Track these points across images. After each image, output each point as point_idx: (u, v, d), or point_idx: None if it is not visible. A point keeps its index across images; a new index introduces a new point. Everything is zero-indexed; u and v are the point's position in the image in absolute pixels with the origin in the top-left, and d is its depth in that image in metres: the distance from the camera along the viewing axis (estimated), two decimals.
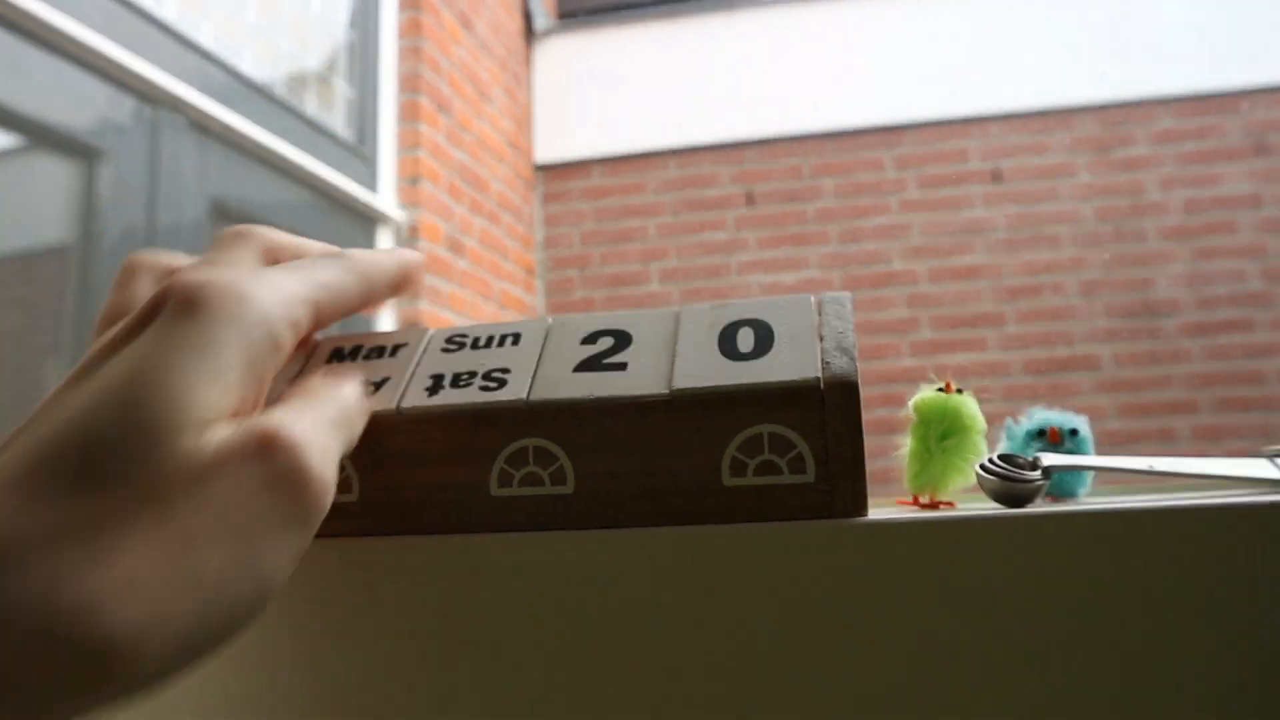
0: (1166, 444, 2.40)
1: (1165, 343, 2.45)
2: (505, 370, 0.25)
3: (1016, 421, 0.29)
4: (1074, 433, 0.27)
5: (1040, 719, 0.21)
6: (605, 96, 2.82)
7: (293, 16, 1.96)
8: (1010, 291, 2.54)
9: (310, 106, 1.96)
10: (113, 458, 0.17)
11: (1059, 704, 0.21)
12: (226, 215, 1.67)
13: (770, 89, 2.73)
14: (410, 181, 2.14)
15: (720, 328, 0.25)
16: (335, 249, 0.25)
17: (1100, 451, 0.28)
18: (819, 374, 0.23)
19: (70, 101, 1.36)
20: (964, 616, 0.22)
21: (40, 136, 1.33)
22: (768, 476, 0.23)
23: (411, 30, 2.21)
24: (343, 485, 0.25)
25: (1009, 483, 0.24)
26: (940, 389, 0.27)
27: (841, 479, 0.23)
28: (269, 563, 0.18)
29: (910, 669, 0.22)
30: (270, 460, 0.18)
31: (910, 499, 0.28)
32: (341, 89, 2.08)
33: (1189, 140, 2.53)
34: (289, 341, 0.20)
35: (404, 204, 2.13)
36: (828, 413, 0.23)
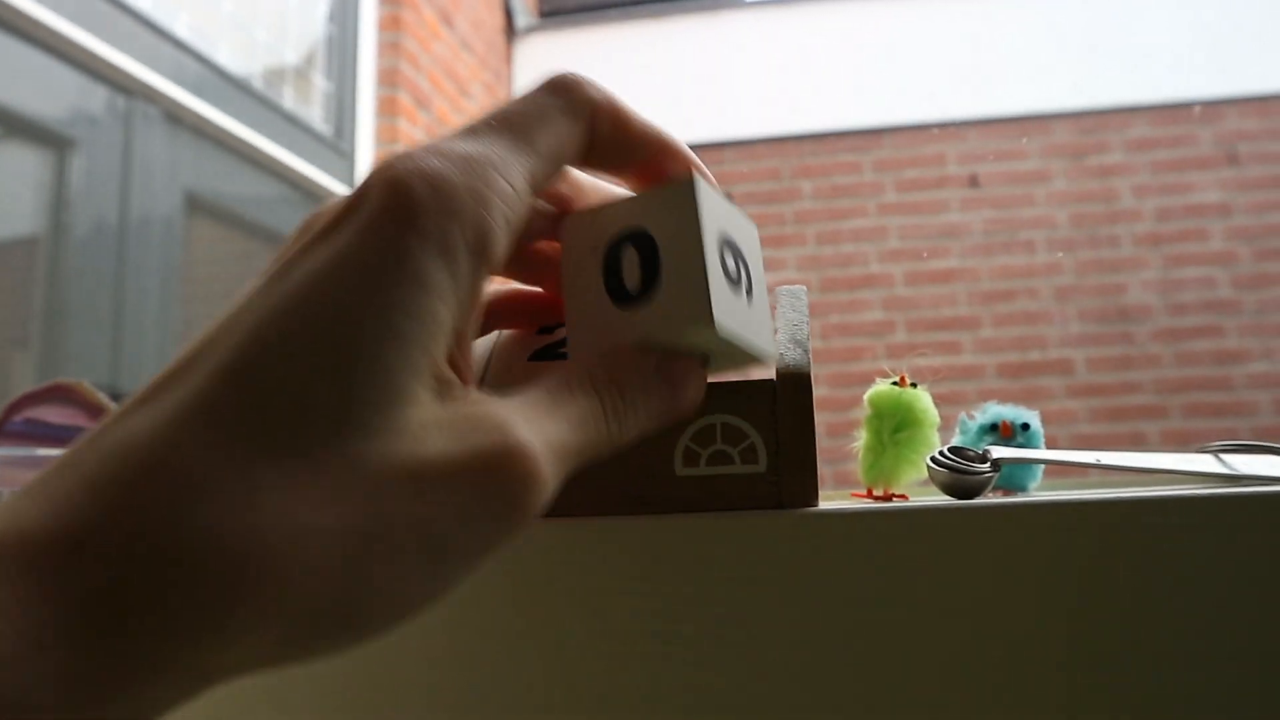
0: (1137, 448, 2.43)
1: (1137, 348, 2.49)
2: None
3: (970, 416, 0.29)
4: (1025, 427, 0.28)
5: (983, 704, 0.22)
6: None
7: (271, 9, 1.95)
8: (986, 295, 2.56)
9: (288, 100, 1.95)
10: (327, 425, 0.15)
11: (1003, 690, 0.22)
12: (200, 208, 1.65)
13: (750, 90, 2.74)
14: None
15: None
16: (653, 134, 0.21)
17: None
18: (772, 365, 0.24)
19: (42, 90, 1.34)
20: (911, 605, 0.22)
21: (11, 126, 1.31)
22: (720, 466, 0.23)
23: (391, 25, 2.20)
24: None
25: (958, 475, 0.24)
26: (895, 383, 0.27)
27: (793, 469, 0.23)
28: (455, 569, 0.16)
29: (858, 656, 0.22)
30: (500, 482, 0.16)
31: (865, 491, 0.28)
32: (319, 83, 2.07)
33: (1162, 149, 2.56)
34: (508, 248, 0.18)
35: None
36: (780, 404, 0.23)
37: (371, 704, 0.24)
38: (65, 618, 0.13)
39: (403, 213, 0.16)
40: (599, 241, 0.21)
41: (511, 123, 0.18)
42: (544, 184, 0.19)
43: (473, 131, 0.18)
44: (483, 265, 0.17)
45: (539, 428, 0.17)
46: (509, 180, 0.18)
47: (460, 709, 0.24)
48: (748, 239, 0.22)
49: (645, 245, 0.20)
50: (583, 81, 0.20)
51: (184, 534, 0.14)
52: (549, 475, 0.16)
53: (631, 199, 0.21)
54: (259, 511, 0.14)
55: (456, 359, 0.17)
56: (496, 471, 0.16)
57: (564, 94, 0.19)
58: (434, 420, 0.16)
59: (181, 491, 0.14)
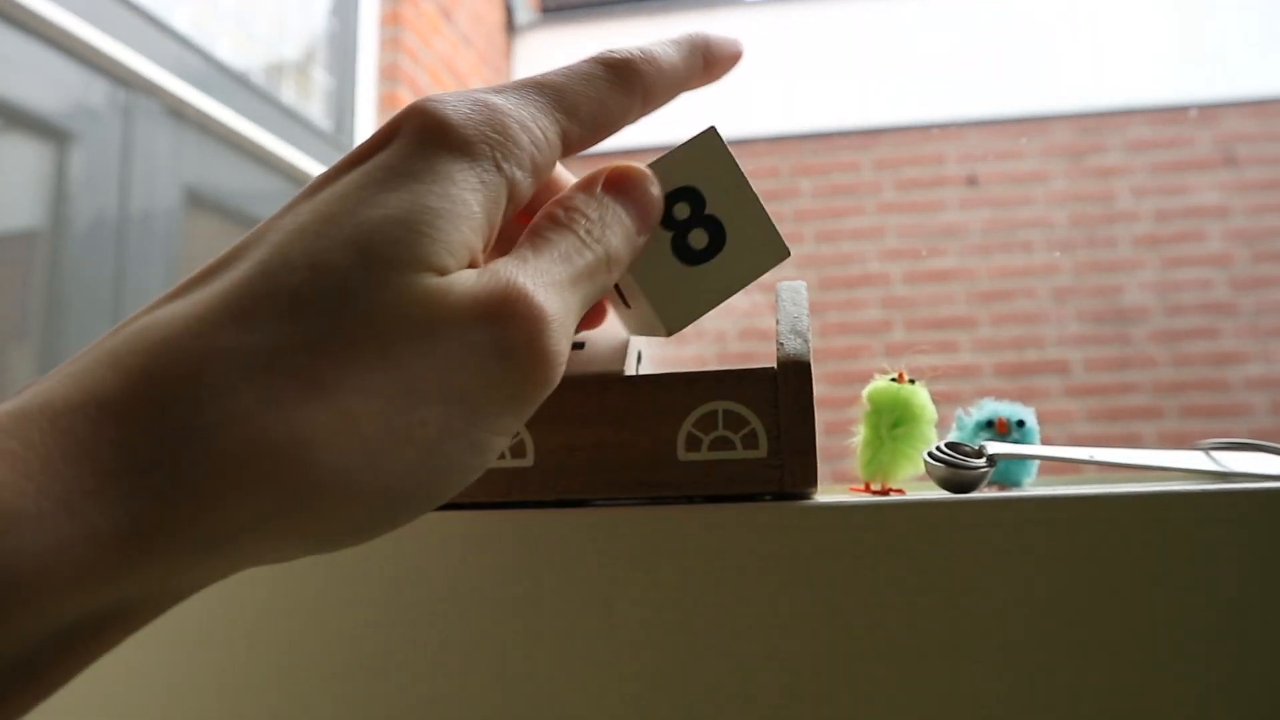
0: (1134, 448, 2.43)
1: (1134, 349, 2.49)
2: None
3: (967, 413, 0.30)
4: (1021, 424, 0.28)
5: (976, 693, 0.22)
6: None
7: (272, 4, 1.95)
8: (983, 295, 2.57)
9: (288, 95, 1.95)
10: (341, 286, 0.15)
11: (995, 679, 0.22)
12: (200, 202, 1.65)
13: (749, 89, 2.74)
14: None
15: None
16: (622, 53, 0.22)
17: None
18: (774, 354, 0.24)
19: (42, 83, 1.34)
20: (907, 595, 0.23)
21: (11, 118, 1.32)
22: (722, 452, 0.24)
23: (392, 20, 2.20)
24: None
25: (954, 469, 0.24)
26: (893, 379, 0.28)
27: (793, 455, 0.24)
28: (486, 432, 0.16)
29: (854, 644, 0.23)
30: (507, 327, 0.16)
31: (863, 486, 0.28)
32: (320, 78, 2.07)
33: (1160, 150, 2.57)
34: (531, 186, 0.19)
35: None
36: (781, 391, 0.24)
37: (372, 691, 0.25)
38: (91, 479, 0.13)
39: (436, 132, 0.17)
40: None
41: (546, 86, 0.20)
42: (579, 144, 0.20)
43: (501, 88, 0.19)
44: (506, 184, 0.18)
45: (531, 269, 0.17)
46: (540, 128, 0.19)
47: (463, 695, 0.24)
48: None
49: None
50: (634, 60, 0.21)
51: (205, 412, 0.14)
52: (554, 310, 0.17)
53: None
54: (280, 357, 0.15)
55: (477, 252, 0.18)
56: (501, 315, 0.16)
57: (613, 67, 0.21)
58: (451, 283, 0.16)
59: (211, 349, 0.14)
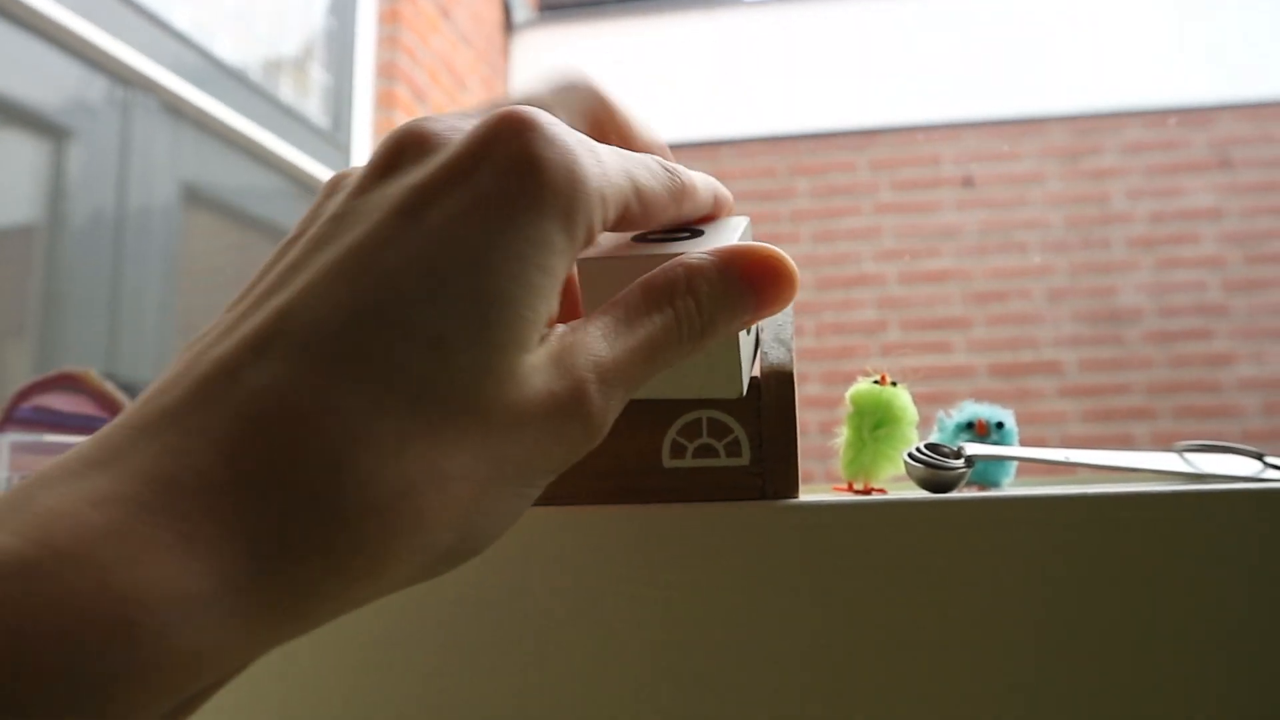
0: (1126, 449, 2.44)
1: (1128, 350, 2.50)
2: None
3: (948, 414, 0.30)
4: (1000, 425, 0.29)
5: (954, 689, 0.23)
6: None
7: (270, 1, 1.95)
8: (979, 296, 2.58)
9: (286, 92, 1.95)
10: (452, 365, 0.16)
11: (974, 675, 0.23)
12: (198, 199, 1.66)
13: (747, 88, 2.74)
14: None
15: None
16: (658, 145, 0.22)
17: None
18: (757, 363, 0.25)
19: (40, 79, 1.35)
20: (886, 593, 0.23)
21: (9, 114, 1.32)
22: (706, 459, 0.24)
23: (390, 19, 2.21)
24: None
25: (933, 470, 0.25)
26: (875, 381, 0.28)
27: (776, 463, 0.24)
28: (534, 491, 0.18)
29: (836, 641, 0.23)
30: (573, 421, 0.17)
31: (845, 485, 0.29)
32: (318, 75, 2.07)
33: (1155, 153, 2.58)
34: (593, 240, 0.19)
35: None
36: (764, 400, 0.24)
37: (360, 690, 0.25)
38: (250, 555, 0.14)
39: (538, 171, 0.17)
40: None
41: (626, 156, 0.20)
42: (628, 219, 0.20)
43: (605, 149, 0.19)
44: (588, 238, 0.18)
45: (602, 361, 0.18)
46: (619, 184, 0.19)
47: (450, 698, 0.25)
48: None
49: None
50: (688, 178, 0.21)
51: (349, 477, 0.15)
52: (603, 402, 0.18)
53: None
54: (404, 458, 0.15)
55: (556, 309, 0.18)
56: (567, 414, 0.17)
57: (672, 177, 0.21)
58: (536, 364, 0.17)
59: (343, 440, 0.15)
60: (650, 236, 0.22)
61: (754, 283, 0.19)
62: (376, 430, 0.15)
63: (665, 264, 0.19)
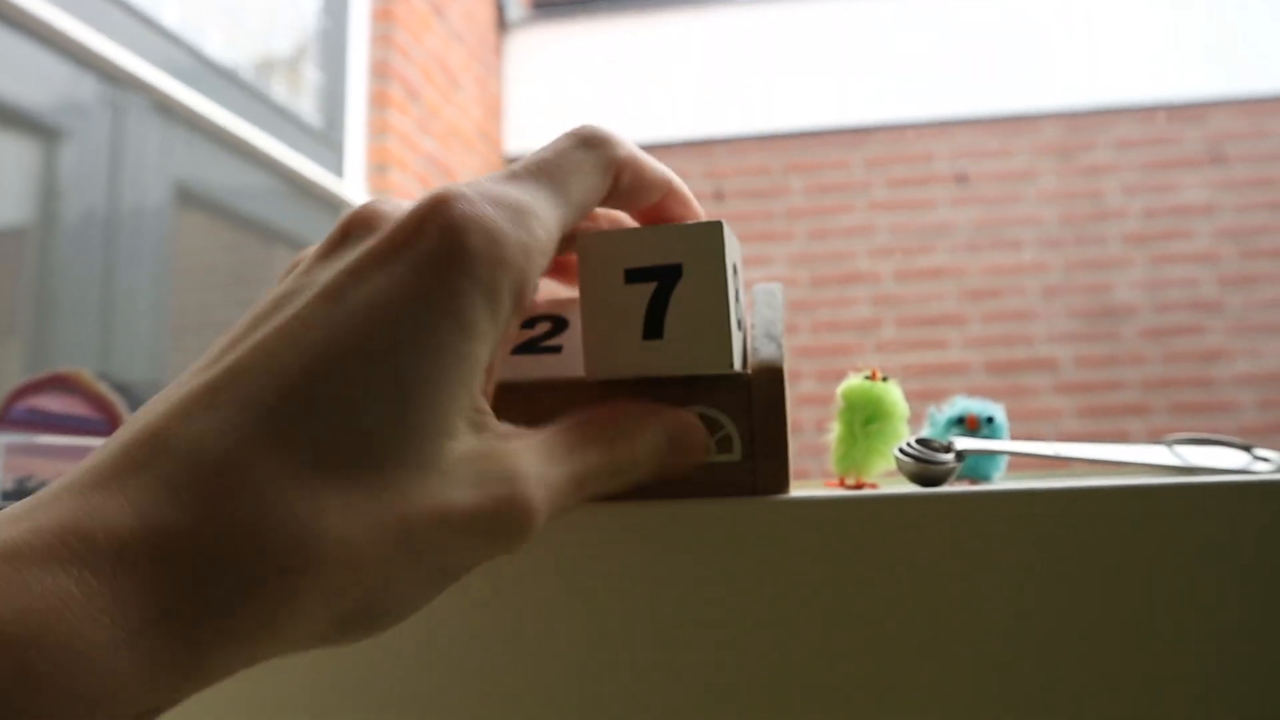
0: (1102, 444, 2.44)
1: (1122, 346, 2.51)
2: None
3: (939, 409, 0.30)
4: (990, 420, 0.29)
5: (945, 683, 0.23)
6: (576, 89, 2.82)
7: (262, 0, 1.95)
8: (973, 293, 2.58)
9: (278, 91, 1.95)
10: (379, 457, 0.17)
11: (964, 669, 0.23)
12: (190, 198, 1.65)
13: (741, 87, 2.74)
14: (378, 169, 2.14)
15: None
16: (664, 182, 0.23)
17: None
18: (748, 359, 0.25)
19: (30, 79, 1.34)
20: (877, 587, 0.23)
21: None
22: None
23: (383, 17, 2.20)
24: None
25: (923, 464, 0.25)
26: (867, 377, 0.28)
27: (766, 459, 0.24)
28: (445, 588, 0.19)
29: (827, 636, 0.23)
30: (506, 527, 0.18)
31: (837, 481, 0.29)
32: (310, 74, 2.07)
33: (1149, 148, 2.58)
34: (524, 302, 0.19)
35: (371, 192, 2.13)
36: (754, 396, 0.24)
37: (360, 696, 0.25)
38: (156, 611, 0.14)
39: (459, 259, 0.18)
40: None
41: (550, 174, 0.20)
42: (568, 229, 0.21)
43: (516, 178, 0.20)
44: (518, 310, 0.19)
45: (546, 477, 0.19)
46: (547, 231, 0.19)
47: (441, 692, 0.25)
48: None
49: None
50: (612, 139, 0.21)
51: (262, 538, 0.15)
52: (544, 518, 0.19)
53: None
54: (320, 523, 0.16)
55: (485, 389, 0.19)
56: (505, 518, 0.18)
57: (596, 148, 0.21)
58: (465, 455, 0.18)
59: (263, 506, 0.16)
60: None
61: (683, 450, 0.22)
62: (288, 498, 0.16)
63: (609, 409, 0.21)
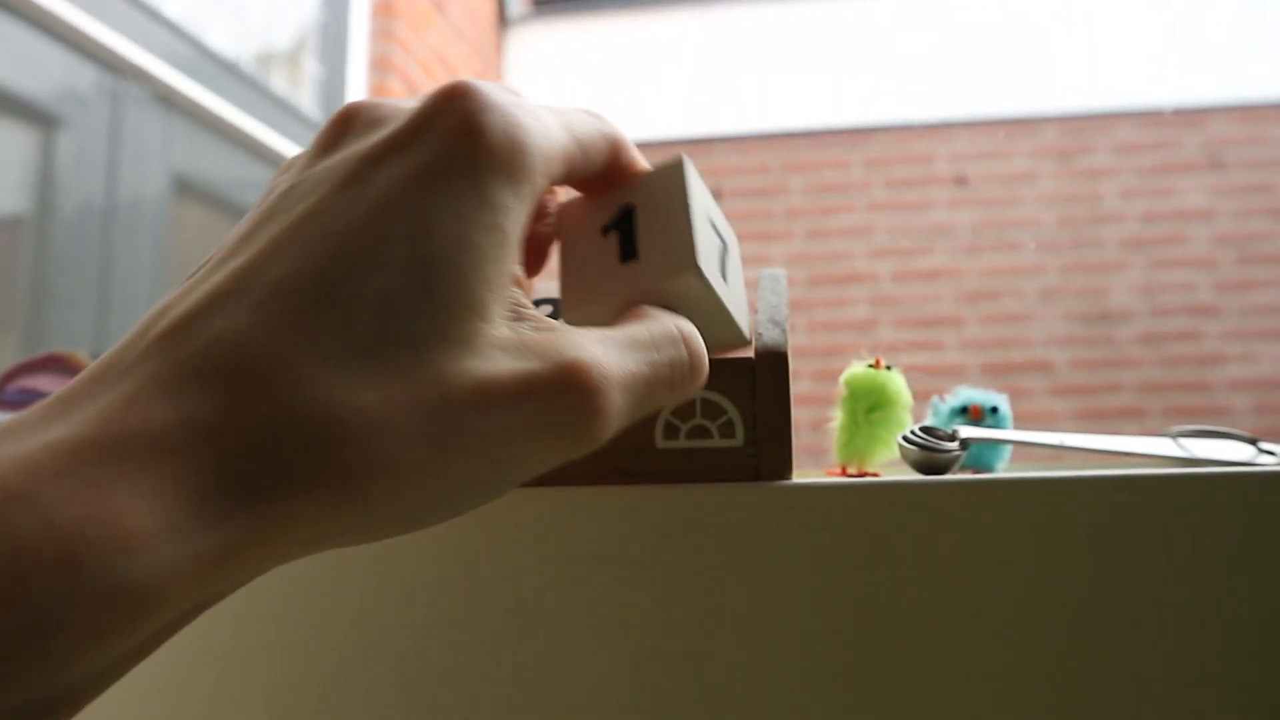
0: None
1: (1119, 350, 2.51)
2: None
3: (943, 399, 0.30)
4: (994, 410, 0.29)
5: (947, 669, 0.23)
6: (576, 87, 2.82)
7: None
8: (971, 295, 2.58)
9: (278, 83, 1.94)
10: (409, 332, 0.16)
11: (966, 655, 0.23)
12: (189, 190, 1.65)
13: (741, 85, 2.74)
14: None
15: None
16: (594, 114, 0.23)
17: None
18: (751, 344, 0.24)
19: (29, 67, 1.34)
20: (879, 574, 0.23)
21: None
22: (699, 440, 0.24)
23: (384, 12, 2.20)
24: None
25: (927, 452, 0.25)
26: (870, 365, 0.28)
27: (769, 444, 0.24)
28: (504, 487, 0.18)
29: (828, 622, 0.23)
30: (569, 405, 0.17)
31: (839, 469, 0.29)
32: (310, 67, 2.06)
33: (1148, 153, 2.59)
34: (542, 197, 0.19)
35: None
36: (758, 381, 0.24)
37: (352, 671, 0.25)
38: (195, 499, 0.14)
39: (481, 138, 0.17)
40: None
41: (558, 110, 0.20)
42: (573, 170, 0.20)
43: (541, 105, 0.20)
44: (536, 195, 0.18)
45: (608, 360, 0.18)
46: (558, 139, 0.19)
47: (440, 676, 0.25)
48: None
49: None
50: (615, 126, 0.22)
51: (299, 424, 0.15)
52: (616, 402, 0.17)
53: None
54: (356, 404, 0.15)
55: (519, 275, 0.18)
56: (561, 395, 0.17)
57: (600, 119, 0.22)
58: (506, 340, 0.17)
59: (293, 388, 0.15)
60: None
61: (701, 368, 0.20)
62: (322, 381, 0.15)
63: (657, 318, 0.20)
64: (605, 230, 0.22)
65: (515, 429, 0.17)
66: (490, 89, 0.18)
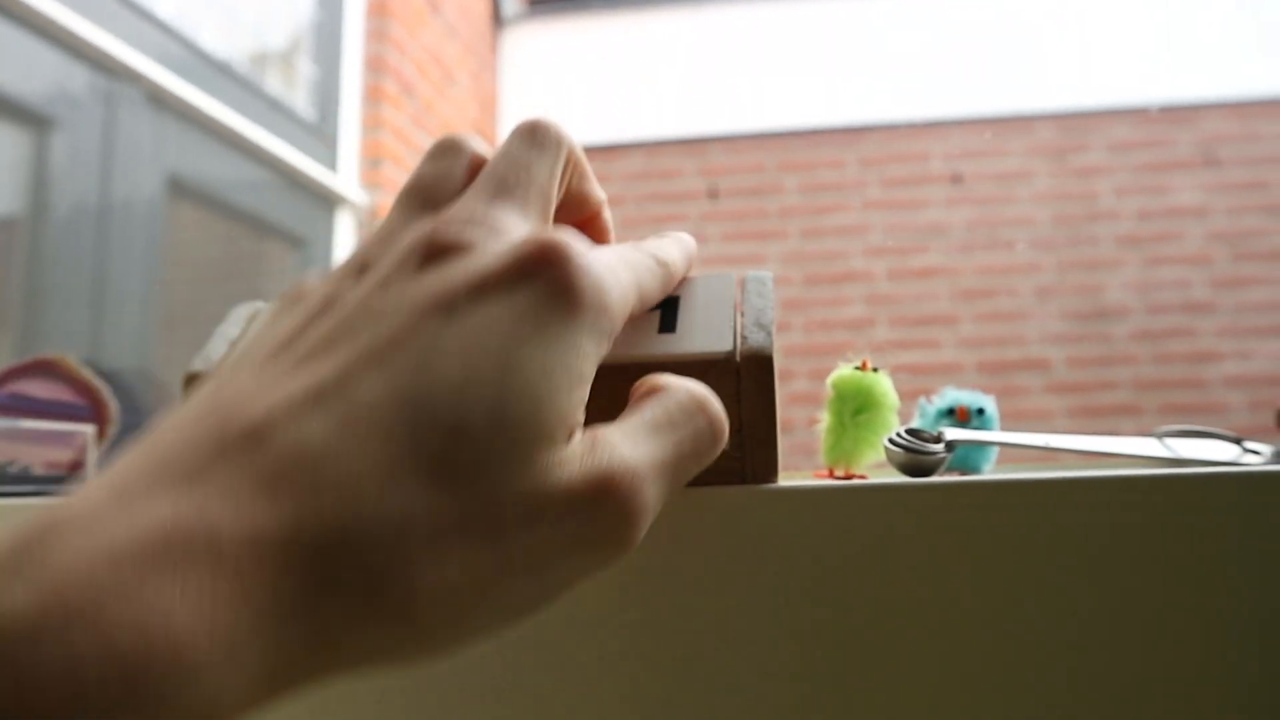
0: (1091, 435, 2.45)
1: (1114, 347, 2.52)
2: None
3: (930, 400, 0.30)
4: (981, 411, 0.29)
5: (936, 673, 0.23)
6: (572, 87, 2.82)
7: None
8: (966, 293, 2.59)
9: (272, 84, 1.94)
10: (478, 460, 0.17)
11: (954, 659, 0.23)
12: (183, 191, 1.65)
13: (736, 85, 2.74)
14: (372, 164, 2.13)
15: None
16: (601, 200, 0.25)
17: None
18: (737, 347, 0.24)
19: (21, 69, 1.33)
20: (866, 576, 0.23)
21: None
22: None
23: (378, 11, 2.20)
24: None
25: (913, 454, 0.25)
26: (857, 367, 0.28)
27: (756, 447, 0.24)
28: (556, 592, 0.18)
29: (816, 624, 0.23)
30: (608, 513, 0.18)
31: (827, 472, 0.29)
32: (305, 68, 2.06)
33: (1142, 151, 2.59)
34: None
35: (365, 186, 2.12)
36: (744, 384, 0.24)
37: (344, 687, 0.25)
38: (252, 619, 0.14)
39: (574, 297, 0.19)
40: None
41: (632, 264, 0.22)
42: (631, 313, 0.22)
43: (643, 250, 0.23)
44: (611, 339, 0.20)
45: (644, 451, 0.19)
46: (630, 297, 0.21)
47: (427, 680, 0.25)
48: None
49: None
50: (565, 139, 0.23)
51: (362, 533, 0.15)
52: (650, 500, 0.18)
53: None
54: (414, 525, 0.16)
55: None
56: (602, 502, 0.18)
57: (668, 255, 0.24)
58: (561, 459, 0.18)
59: (360, 503, 0.16)
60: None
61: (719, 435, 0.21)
62: (385, 498, 0.16)
63: (673, 392, 0.21)
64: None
65: (561, 545, 0.17)
66: (581, 252, 0.19)
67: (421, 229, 0.20)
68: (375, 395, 0.17)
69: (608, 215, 0.25)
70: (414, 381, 0.17)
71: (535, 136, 0.22)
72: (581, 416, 0.19)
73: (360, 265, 0.20)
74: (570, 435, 0.18)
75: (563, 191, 0.23)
